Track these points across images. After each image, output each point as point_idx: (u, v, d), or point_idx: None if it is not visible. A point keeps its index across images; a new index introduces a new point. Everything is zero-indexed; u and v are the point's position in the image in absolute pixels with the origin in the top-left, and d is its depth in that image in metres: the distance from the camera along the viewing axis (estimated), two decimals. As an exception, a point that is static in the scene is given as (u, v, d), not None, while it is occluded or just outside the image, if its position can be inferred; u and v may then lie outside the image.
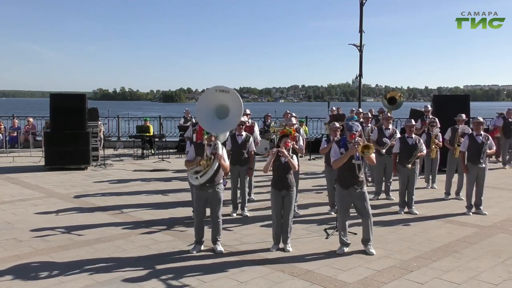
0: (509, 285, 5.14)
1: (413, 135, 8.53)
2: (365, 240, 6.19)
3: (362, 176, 6.13)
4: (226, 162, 6.22)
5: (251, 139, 8.41)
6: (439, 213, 8.40)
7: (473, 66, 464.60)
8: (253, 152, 8.41)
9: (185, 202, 8.95)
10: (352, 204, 6.20)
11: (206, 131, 6.15)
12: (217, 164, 6.04)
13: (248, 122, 9.78)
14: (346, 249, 6.16)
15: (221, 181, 6.27)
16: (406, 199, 8.45)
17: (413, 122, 8.92)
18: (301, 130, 9.26)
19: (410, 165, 8.26)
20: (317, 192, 10.11)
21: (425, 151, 8.64)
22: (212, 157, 6.05)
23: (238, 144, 8.25)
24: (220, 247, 6.23)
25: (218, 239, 6.29)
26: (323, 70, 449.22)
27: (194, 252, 6.15)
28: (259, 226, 7.44)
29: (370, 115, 11.42)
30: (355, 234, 6.62)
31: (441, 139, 9.97)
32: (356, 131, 6.01)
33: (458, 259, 5.93)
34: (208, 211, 6.34)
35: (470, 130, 8.77)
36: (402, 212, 8.37)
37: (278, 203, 6.26)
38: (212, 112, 6.14)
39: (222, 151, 6.15)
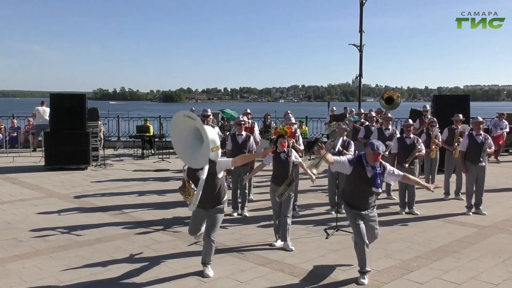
0: (509, 285, 5.14)
1: (411, 135, 8.51)
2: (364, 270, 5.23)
3: (374, 200, 5.37)
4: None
5: (252, 138, 8.41)
6: (439, 213, 8.40)
7: (473, 66, 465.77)
8: (253, 152, 8.41)
9: (185, 202, 8.90)
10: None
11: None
12: (201, 188, 5.14)
13: (248, 122, 9.77)
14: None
15: (225, 199, 5.52)
16: (406, 199, 8.44)
17: (410, 122, 8.92)
18: (297, 131, 9.23)
19: (407, 165, 8.25)
20: (323, 191, 10.04)
21: (424, 151, 8.62)
22: (190, 183, 5.34)
23: (239, 144, 8.25)
24: (208, 272, 5.33)
25: (209, 261, 5.38)
26: (323, 70, 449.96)
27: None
28: (259, 226, 7.44)
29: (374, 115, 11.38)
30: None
31: (440, 139, 9.96)
32: (383, 152, 4.99)
33: (458, 259, 5.93)
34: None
35: (469, 128, 8.76)
36: (403, 213, 8.36)
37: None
38: (190, 136, 5.28)
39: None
